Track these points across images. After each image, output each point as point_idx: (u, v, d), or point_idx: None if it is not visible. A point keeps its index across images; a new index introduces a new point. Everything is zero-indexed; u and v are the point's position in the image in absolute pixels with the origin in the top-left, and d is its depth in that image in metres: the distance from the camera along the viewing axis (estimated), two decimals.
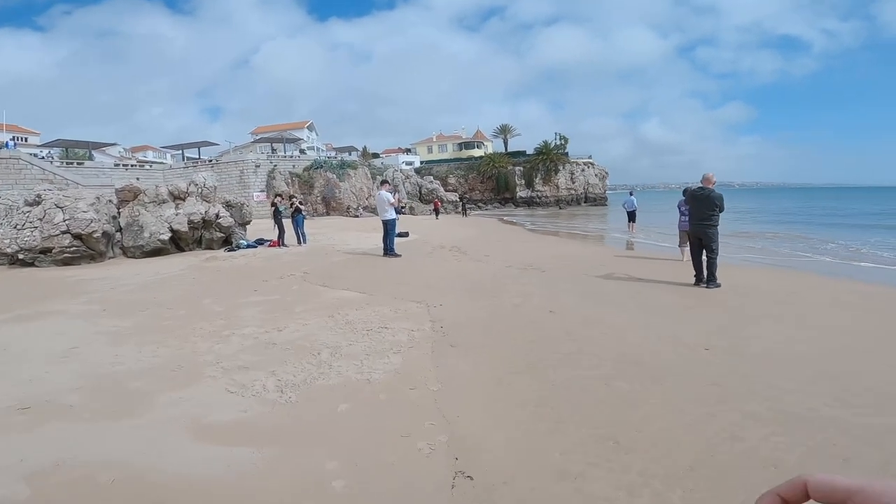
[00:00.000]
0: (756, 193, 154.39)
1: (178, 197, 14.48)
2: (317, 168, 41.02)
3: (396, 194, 11.59)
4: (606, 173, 62.05)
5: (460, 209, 40.32)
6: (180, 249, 14.40)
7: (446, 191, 50.38)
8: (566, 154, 57.90)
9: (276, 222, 14.09)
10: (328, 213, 39.16)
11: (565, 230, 23.57)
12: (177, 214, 13.70)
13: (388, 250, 10.91)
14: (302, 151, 51.72)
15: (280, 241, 13.78)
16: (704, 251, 7.38)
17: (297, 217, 14.20)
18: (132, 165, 41.37)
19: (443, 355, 4.29)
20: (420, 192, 47.19)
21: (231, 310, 6.30)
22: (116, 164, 39.45)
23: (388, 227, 10.82)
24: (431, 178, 50.80)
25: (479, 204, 54.44)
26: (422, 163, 65.13)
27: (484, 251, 11.87)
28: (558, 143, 57.76)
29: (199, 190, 14.44)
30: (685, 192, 7.64)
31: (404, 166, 56.21)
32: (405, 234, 16.21)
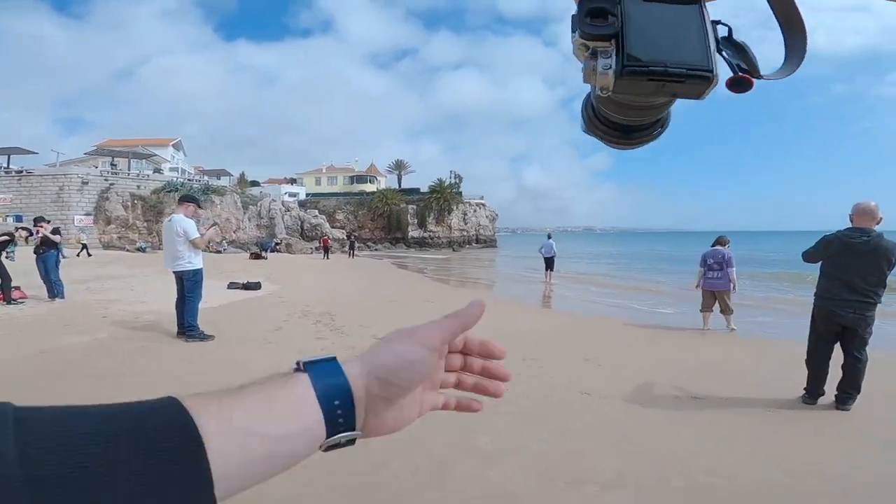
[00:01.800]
0: (620, 237, 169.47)
1: None
2: (170, 191, 32.91)
3: (214, 227, 6.21)
4: (496, 215, 61.11)
5: (347, 248, 34.79)
6: None
7: (333, 227, 44.61)
8: (460, 194, 55.80)
9: None
10: None
11: (472, 278, 19.52)
12: None
13: (187, 328, 5.50)
14: (157, 170, 42.53)
15: (5, 295, 7.51)
16: (844, 347, 3.67)
17: (46, 256, 8.03)
18: None
19: None
20: (302, 228, 40.88)
21: None
22: None
23: (186, 284, 5.44)
24: (317, 212, 44.75)
25: (369, 243, 49.31)
26: (308, 195, 58.47)
27: (374, 324, 6.98)
28: (453, 181, 55.56)
29: None
30: (827, 240, 3.70)
31: (287, 197, 49.30)
32: (255, 286, 10.66)
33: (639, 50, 0.36)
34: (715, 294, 7.12)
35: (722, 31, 0.39)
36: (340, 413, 0.38)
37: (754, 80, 0.39)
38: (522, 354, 5.39)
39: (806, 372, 3.93)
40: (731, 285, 7.01)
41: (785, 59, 0.42)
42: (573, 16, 0.37)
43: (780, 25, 0.42)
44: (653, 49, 0.36)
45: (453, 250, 47.34)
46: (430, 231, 52.63)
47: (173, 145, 56.94)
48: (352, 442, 0.40)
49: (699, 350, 5.99)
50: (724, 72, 0.38)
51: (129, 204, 31.01)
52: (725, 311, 7.14)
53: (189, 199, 5.72)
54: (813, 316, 3.89)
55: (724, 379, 4.61)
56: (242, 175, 58.11)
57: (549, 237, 16.31)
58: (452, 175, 55.99)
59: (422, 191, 56.27)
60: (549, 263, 15.79)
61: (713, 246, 7.33)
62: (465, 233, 54.80)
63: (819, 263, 3.86)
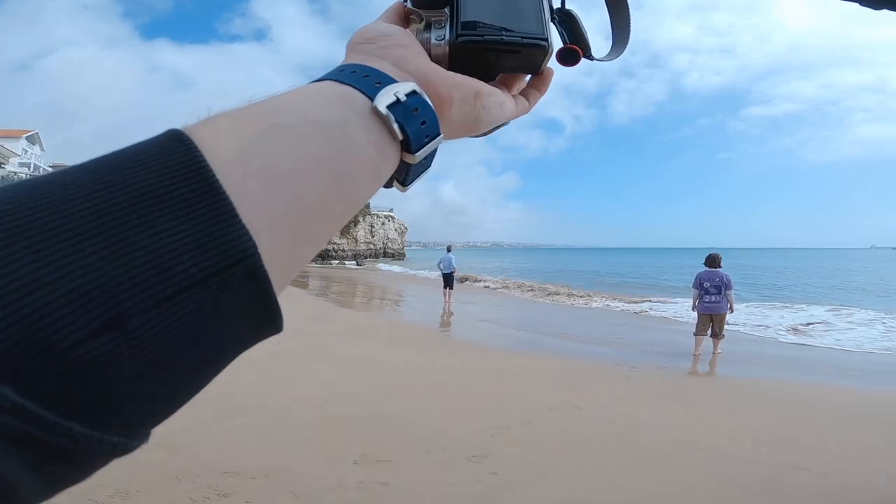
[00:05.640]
0: (526, 252, 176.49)
1: None
2: None
3: None
4: (406, 228, 59.23)
5: None
6: None
7: None
8: (368, 205, 53.00)
9: None
10: None
11: (377, 297, 16.89)
12: None
13: None
14: None
15: None
16: None
17: None
18: None
19: None
20: None
21: None
22: None
23: None
24: None
25: None
26: None
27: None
28: None
29: None
30: None
31: None
32: None
33: (473, 18, 0.33)
34: (711, 317, 6.61)
35: (556, 2, 0.37)
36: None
37: (585, 58, 0.37)
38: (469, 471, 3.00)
39: None
40: (729, 307, 6.59)
41: (613, 42, 0.40)
42: None
43: (607, 7, 0.39)
44: (488, 18, 0.33)
45: (358, 264, 44.34)
46: (335, 244, 49.06)
47: (27, 138, 47.57)
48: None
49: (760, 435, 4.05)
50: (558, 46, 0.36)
51: None
52: (718, 335, 6.66)
53: None
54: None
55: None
56: None
57: (449, 250, 14.29)
58: None
59: None
60: (448, 281, 13.67)
61: (706, 265, 6.71)
62: (371, 246, 52.10)
63: None
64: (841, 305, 13.67)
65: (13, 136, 46.76)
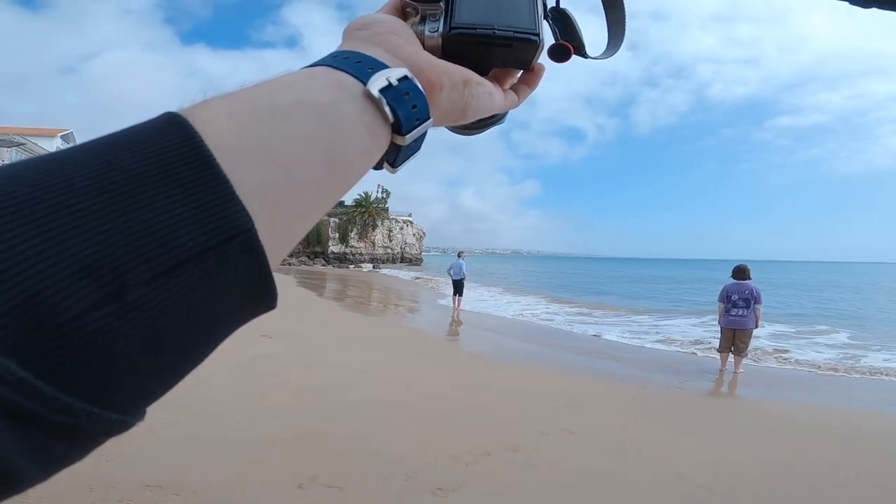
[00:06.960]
0: (548, 260, 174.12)
1: None
2: None
3: None
4: (424, 233, 59.01)
5: None
6: None
7: None
8: (386, 209, 52.98)
9: None
10: None
11: (392, 304, 16.55)
12: None
13: None
14: None
15: None
16: None
17: None
18: None
19: None
20: None
21: None
22: None
23: None
24: None
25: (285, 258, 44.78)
26: None
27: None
28: (380, 195, 52.58)
29: None
30: None
31: None
32: None
33: (467, 12, 0.34)
34: (734, 332, 6.13)
35: (551, 1, 0.38)
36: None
37: (578, 55, 0.38)
38: None
39: None
40: (756, 322, 6.12)
41: (609, 40, 0.40)
42: None
43: (603, 7, 0.40)
44: (481, 12, 0.34)
45: (374, 268, 44.26)
46: (352, 247, 49.17)
47: (62, 137, 49.22)
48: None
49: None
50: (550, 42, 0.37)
51: None
52: (740, 351, 6.15)
53: None
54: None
55: None
56: None
57: (460, 256, 13.89)
58: (379, 189, 52.97)
59: (345, 203, 52.78)
60: (458, 287, 13.24)
61: (734, 277, 6.26)
62: (389, 250, 51.95)
63: None
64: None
65: (49, 134, 48.47)
